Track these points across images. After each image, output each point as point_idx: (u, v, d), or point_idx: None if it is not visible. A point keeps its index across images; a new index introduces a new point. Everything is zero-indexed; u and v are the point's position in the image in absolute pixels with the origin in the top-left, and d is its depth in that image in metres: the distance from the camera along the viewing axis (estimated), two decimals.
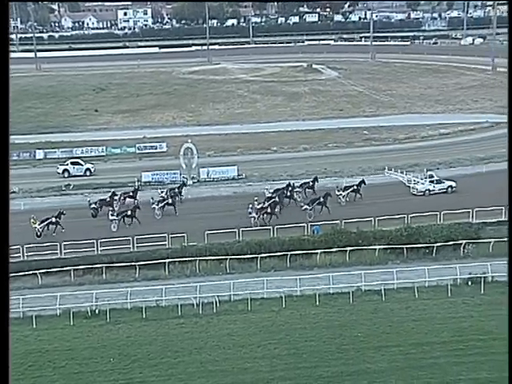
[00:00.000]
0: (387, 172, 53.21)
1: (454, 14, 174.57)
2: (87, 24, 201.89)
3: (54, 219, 42.11)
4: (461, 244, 38.25)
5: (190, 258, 37.36)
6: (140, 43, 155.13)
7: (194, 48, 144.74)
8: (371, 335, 29.77)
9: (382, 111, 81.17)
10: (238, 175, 53.82)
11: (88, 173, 55.89)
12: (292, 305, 32.84)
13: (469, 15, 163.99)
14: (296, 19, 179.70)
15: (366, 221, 41.21)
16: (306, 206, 44.15)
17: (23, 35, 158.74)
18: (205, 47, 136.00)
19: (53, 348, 29.28)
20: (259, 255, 37.51)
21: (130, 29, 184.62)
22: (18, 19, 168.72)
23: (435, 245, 37.98)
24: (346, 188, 47.19)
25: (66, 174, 55.42)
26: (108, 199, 46.07)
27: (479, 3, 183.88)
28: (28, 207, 46.60)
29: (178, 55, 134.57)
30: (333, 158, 59.38)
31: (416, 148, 63.27)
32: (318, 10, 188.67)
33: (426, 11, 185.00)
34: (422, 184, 49.18)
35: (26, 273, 35.70)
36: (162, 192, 46.98)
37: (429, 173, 50.89)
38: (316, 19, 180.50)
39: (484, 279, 34.12)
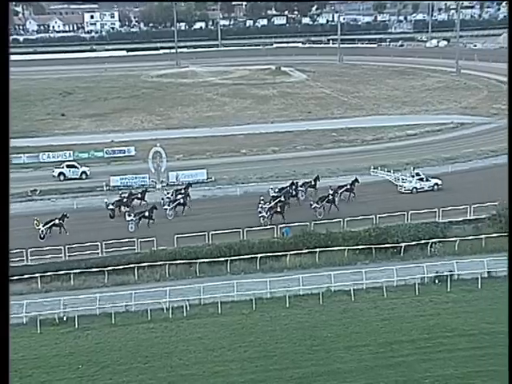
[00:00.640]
0: (372, 171, 53.91)
1: (420, 16, 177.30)
2: (53, 27, 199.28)
3: (57, 221, 42.32)
4: (428, 243, 38.84)
5: (159, 263, 37.14)
6: (107, 46, 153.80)
7: (162, 51, 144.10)
8: (341, 335, 30.01)
9: (349, 113, 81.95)
10: (208, 178, 53.73)
11: (84, 176, 55.33)
12: (262, 307, 32.90)
13: (433, 18, 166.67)
14: (264, 22, 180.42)
15: (335, 222, 41.62)
16: (315, 205, 44.74)
17: None
18: (173, 50, 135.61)
19: (19, 357, 28.75)
20: (229, 258, 37.52)
21: (96, 32, 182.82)
22: None
23: (403, 244, 38.49)
24: (339, 187, 47.62)
25: (62, 177, 55.00)
26: (125, 200, 46.30)
27: (443, 6, 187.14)
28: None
29: (146, 58, 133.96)
30: (302, 160, 59.70)
31: (383, 149, 64.04)
32: (286, 12, 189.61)
33: (393, 14, 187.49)
34: (410, 182, 50.04)
35: None
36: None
37: (415, 171, 51.82)
38: (284, 22, 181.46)
39: (450, 277, 34.69)
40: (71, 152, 62.39)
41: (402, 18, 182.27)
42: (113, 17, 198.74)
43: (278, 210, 43.82)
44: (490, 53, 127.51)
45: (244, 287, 34.16)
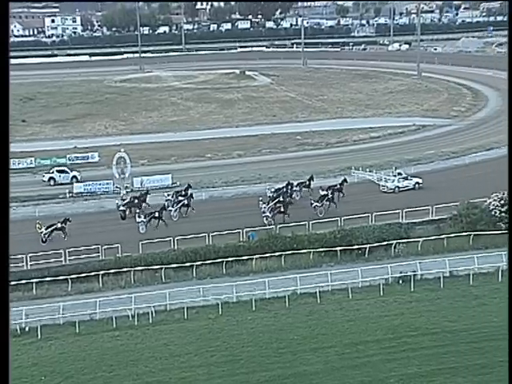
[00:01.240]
0: (353, 172, 54.53)
1: (382, 20, 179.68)
2: (12, 31, 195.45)
3: (59, 225, 41.99)
4: (392, 244, 39.36)
5: (124, 269, 36.77)
6: (69, 51, 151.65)
7: (125, 56, 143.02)
8: (307, 337, 30.18)
9: (314, 116, 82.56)
10: (173, 183, 53.43)
11: (75, 180, 54.44)
12: (229, 311, 32.88)
13: (395, 22, 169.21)
14: (228, 26, 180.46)
15: (301, 225, 41.86)
16: (316, 204, 45.16)
17: None
18: (137, 55, 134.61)
19: None
20: (195, 263, 37.38)
21: (58, 36, 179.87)
22: None
23: (367, 246, 38.93)
24: (329, 188, 48.00)
25: (52, 182, 54.08)
26: (136, 201, 46.14)
27: (404, 10, 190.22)
28: None
29: (110, 63, 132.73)
30: (267, 164, 59.91)
31: (348, 152, 64.72)
32: (250, 16, 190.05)
33: (355, 18, 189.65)
34: (392, 182, 50.87)
35: None
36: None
37: (397, 171, 52.69)
38: (248, 26, 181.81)
39: (414, 277, 35.22)
40: (33, 159, 61.33)
41: (364, 21, 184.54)
42: (74, 21, 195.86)
43: (282, 209, 44.41)
44: (449, 56, 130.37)
45: (210, 292, 34.10)
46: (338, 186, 48.44)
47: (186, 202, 46.66)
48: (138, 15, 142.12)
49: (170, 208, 45.98)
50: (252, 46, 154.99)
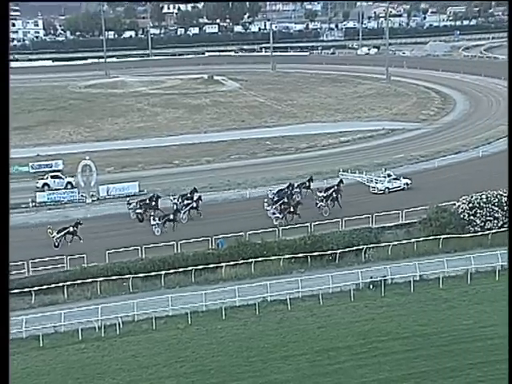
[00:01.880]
0: (341, 173, 54.61)
1: (350, 24, 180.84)
2: None
3: (71, 229, 41.57)
4: (362, 249, 39.24)
5: (90, 280, 35.87)
6: (31, 56, 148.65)
7: (90, 61, 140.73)
8: (278, 345, 29.83)
9: (283, 121, 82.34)
10: (140, 191, 52.48)
11: (69, 186, 53.09)
12: (198, 321, 32.34)
13: (364, 26, 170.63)
14: (196, 30, 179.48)
15: (270, 231, 41.48)
16: (320, 204, 45.30)
17: None
18: (102, 60, 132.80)
19: None
20: (163, 272, 36.69)
21: (19, 41, 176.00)
22: None
23: (338, 251, 38.73)
24: (327, 189, 47.98)
25: (46, 188, 52.76)
26: (153, 203, 46.02)
27: (372, 14, 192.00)
28: None
29: (73, 68, 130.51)
30: (236, 170, 59.40)
31: (317, 156, 64.61)
32: (218, 21, 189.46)
33: (324, 22, 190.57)
34: (382, 183, 51.40)
35: None
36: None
37: (387, 172, 53.16)
38: (216, 30, 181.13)
39: (384, 282, 35.13)
40: None
41: (333, 25, 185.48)
42: (37, 25, 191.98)
43: (292, 210, 44.45)
44: (417, 60, 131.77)
45: (179, 301, 33.48)
46: (336, 188, 48.52)
47: (194, 204, 46.59)
48: (103, 19, 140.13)
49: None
50: (220, 51, 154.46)
